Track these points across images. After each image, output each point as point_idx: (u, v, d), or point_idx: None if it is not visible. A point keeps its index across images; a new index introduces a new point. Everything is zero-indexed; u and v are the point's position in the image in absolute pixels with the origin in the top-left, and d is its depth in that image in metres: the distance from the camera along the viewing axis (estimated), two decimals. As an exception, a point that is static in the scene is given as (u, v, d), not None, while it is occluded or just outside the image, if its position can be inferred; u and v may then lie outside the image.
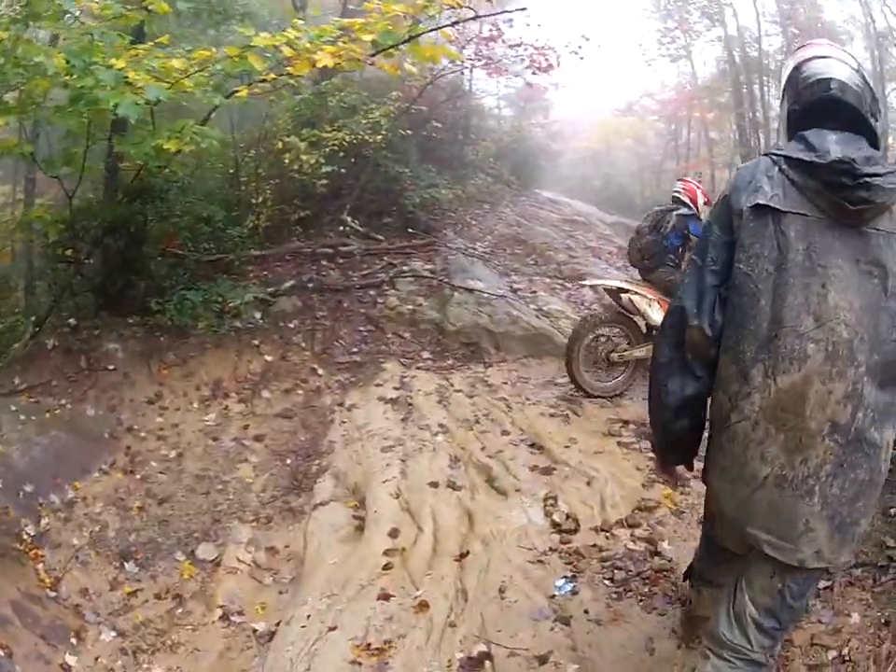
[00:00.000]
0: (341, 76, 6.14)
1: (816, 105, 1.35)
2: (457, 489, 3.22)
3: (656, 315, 4.05)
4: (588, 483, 3.17)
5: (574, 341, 4.16)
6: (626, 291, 4.13)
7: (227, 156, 6.27)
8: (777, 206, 1.28)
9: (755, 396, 1.28)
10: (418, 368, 4.86)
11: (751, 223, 1.30)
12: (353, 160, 6.53)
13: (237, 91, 3.68)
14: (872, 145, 1.32)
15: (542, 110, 18.72)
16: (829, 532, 1.28)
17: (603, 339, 4.25)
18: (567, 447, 3.57)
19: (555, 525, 2.87)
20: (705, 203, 4.36)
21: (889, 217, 1.25)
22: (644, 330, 4.25)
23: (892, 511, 2.47)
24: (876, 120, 1.35)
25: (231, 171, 6.38)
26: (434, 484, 3.24)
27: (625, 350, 4.20)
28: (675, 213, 4.20)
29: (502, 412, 4.11)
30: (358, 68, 4.16)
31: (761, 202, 1.29)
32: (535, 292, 6.20)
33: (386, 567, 2.70)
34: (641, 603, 2.34)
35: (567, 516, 2.91)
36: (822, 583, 2.17)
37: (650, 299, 4.08)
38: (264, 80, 3.71)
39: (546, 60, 7.87)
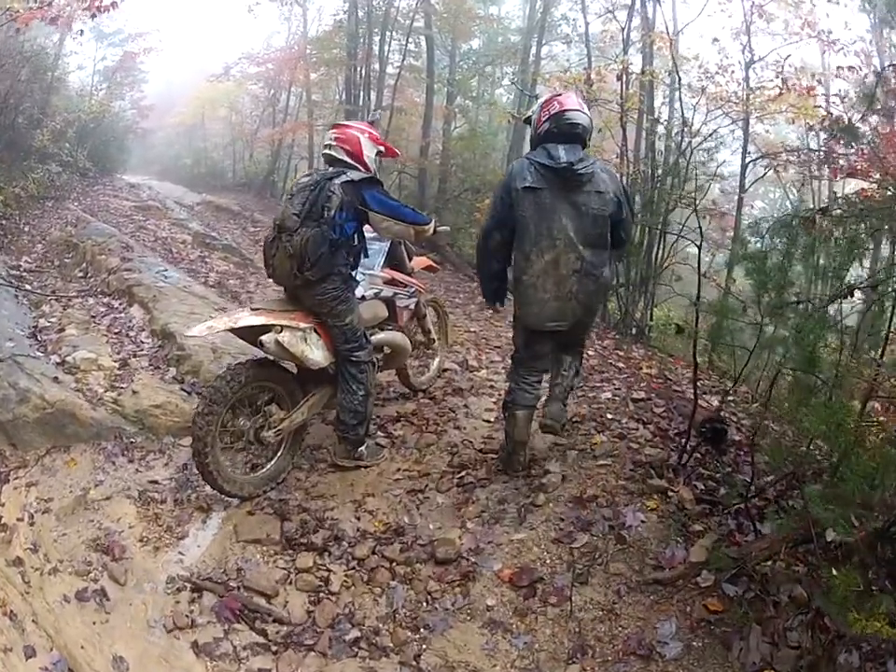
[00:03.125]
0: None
1: (566, 133, 2.73)
2: None
3: (317, 352, 2.89)
4: None
5: (203, 429, 2.64)
6: (269, 330, 2.78)
7: None
8: (535, 186, 2.70)
9: (535, 265, 2.72)
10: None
11: (523, 194, 2.71)
12: None
13: None
14: (583, 146, 2.79)
15: (134, 83, 16.13)
16: (583, 313, 2.82)
17: (246, 412, 2.85)
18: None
19: None
20: (381, 154, 3.14)
21: (589, 185, 2.70)
22: (301, 380, 3.02)
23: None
24: (589, 137, 2.85)
25: None
26: None
27: (282, 420, 2.91)
28: (337, 182, 2.83)
29: (20, 596, 2.29)
30: None
31: (527, 185, 2.71)
32: (63, 329, 4.21)
33: None
34: None
35: None
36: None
37: (303, 330, 2.85)
38: None
39: None
